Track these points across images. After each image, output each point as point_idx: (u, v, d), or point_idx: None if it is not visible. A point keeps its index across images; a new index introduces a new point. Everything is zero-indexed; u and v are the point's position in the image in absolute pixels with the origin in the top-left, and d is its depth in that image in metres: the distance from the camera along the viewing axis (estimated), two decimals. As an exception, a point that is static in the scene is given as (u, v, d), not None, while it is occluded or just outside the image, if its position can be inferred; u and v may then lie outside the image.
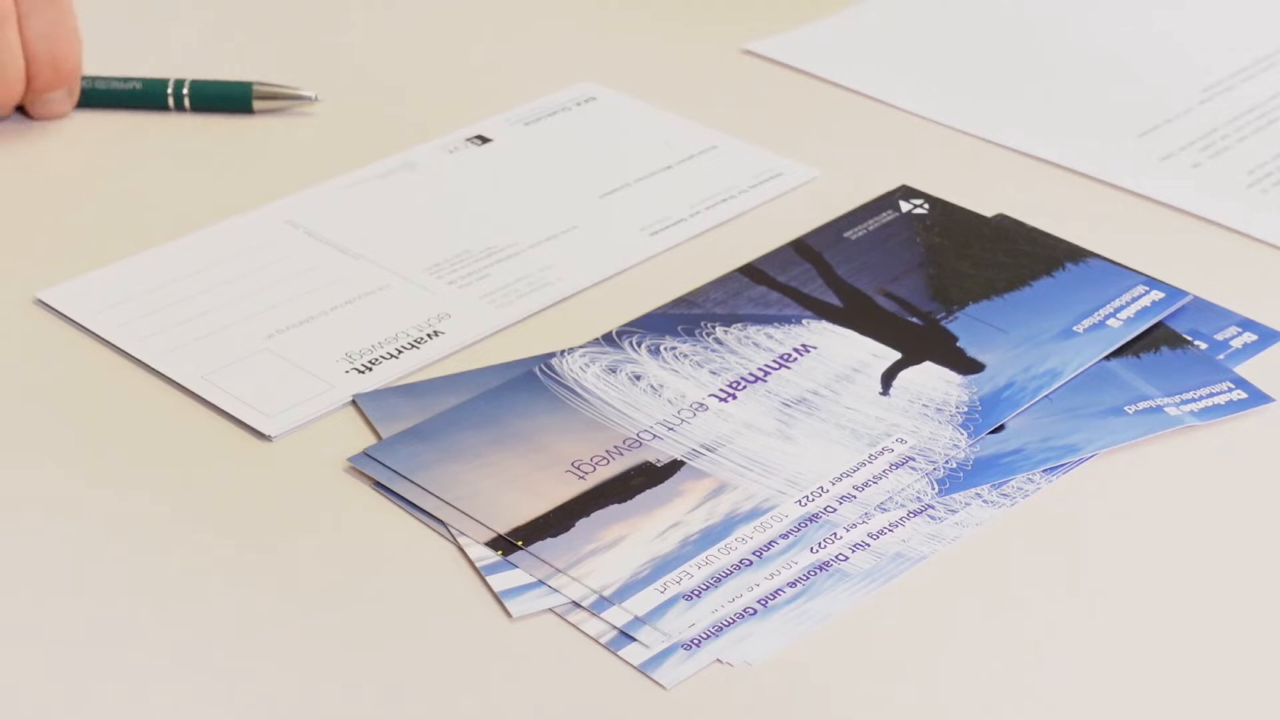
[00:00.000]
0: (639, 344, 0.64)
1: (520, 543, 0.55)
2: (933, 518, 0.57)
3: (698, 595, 0.54)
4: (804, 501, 0.57)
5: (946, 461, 0.59)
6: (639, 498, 0.57)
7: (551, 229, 0.71)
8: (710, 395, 0.62)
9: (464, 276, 0.68)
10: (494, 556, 0.55)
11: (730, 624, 0.53)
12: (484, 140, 0.77)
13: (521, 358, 0.63)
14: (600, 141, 0.77)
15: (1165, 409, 0.61)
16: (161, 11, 0.88)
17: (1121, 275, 0.68)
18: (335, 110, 0.79)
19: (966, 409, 0.61)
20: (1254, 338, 0.65)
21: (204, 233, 0.70)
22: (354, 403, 0.61)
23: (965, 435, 0.60)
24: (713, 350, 0.64)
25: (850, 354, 0.64)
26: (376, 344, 0.64)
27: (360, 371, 0.62)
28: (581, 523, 0.56)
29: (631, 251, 0.70)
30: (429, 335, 0.65)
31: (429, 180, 0.74)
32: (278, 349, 0.64)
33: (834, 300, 0.66)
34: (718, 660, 0.52)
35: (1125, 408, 0.61)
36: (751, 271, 0.68)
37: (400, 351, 0.64)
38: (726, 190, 0.74)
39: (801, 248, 0.70)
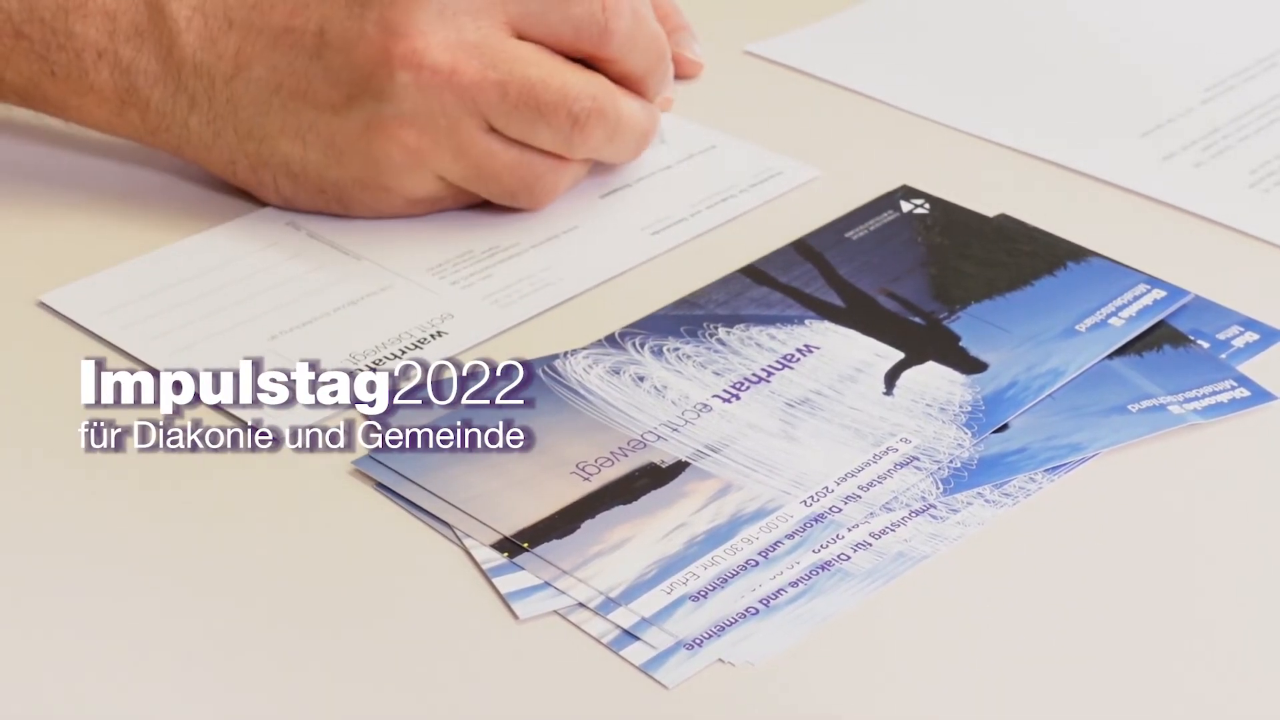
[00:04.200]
0: (642, 345, 0.64)
1: (526, 544, 0.55)
2: (935, 517, 0.57)
3: (704, 596, 0.54)
4: (809, 502, 0.57)
5: (951, 461, 0.59)
6: (644, 499, 0.57)
7: (552, 229, 0.71)
8: (714, 396, 0.62)
9: (466, 277, 0.68)
10: (500, 558, 0.55)
11: (732, 624, 0.53)
12: (485, 141, 0.77)
13: (525, 359, 0.63)
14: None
15: (1168, 407, 0.61)
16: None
17: (1123, 274, 0.68)
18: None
19: (970, 408, 0.61)
20: (1255, 337, 0.65)
21: (206, 235, 0.70)
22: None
23: (969, 434, 0.60)
24: (715, 351, 0.64)
25: (853, 354, 0.64)
26: (380, 345, 0.64)
27: (364, 372, 0.62)
28: (587, 524, 0.56)
29: (633, 251, 0.70)
30: (432, 336, 0.65)
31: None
32: (281, 350, 0.64)
33: (836, 300, 0.66)
34: (719, 660, 0.52)
35: (1129, 406, 0.61)
36: (753, 272, 0.68)
37: (404, 352, 0.64)
38: (727, 190, 0.74)
39: (803, 248, 0.70)
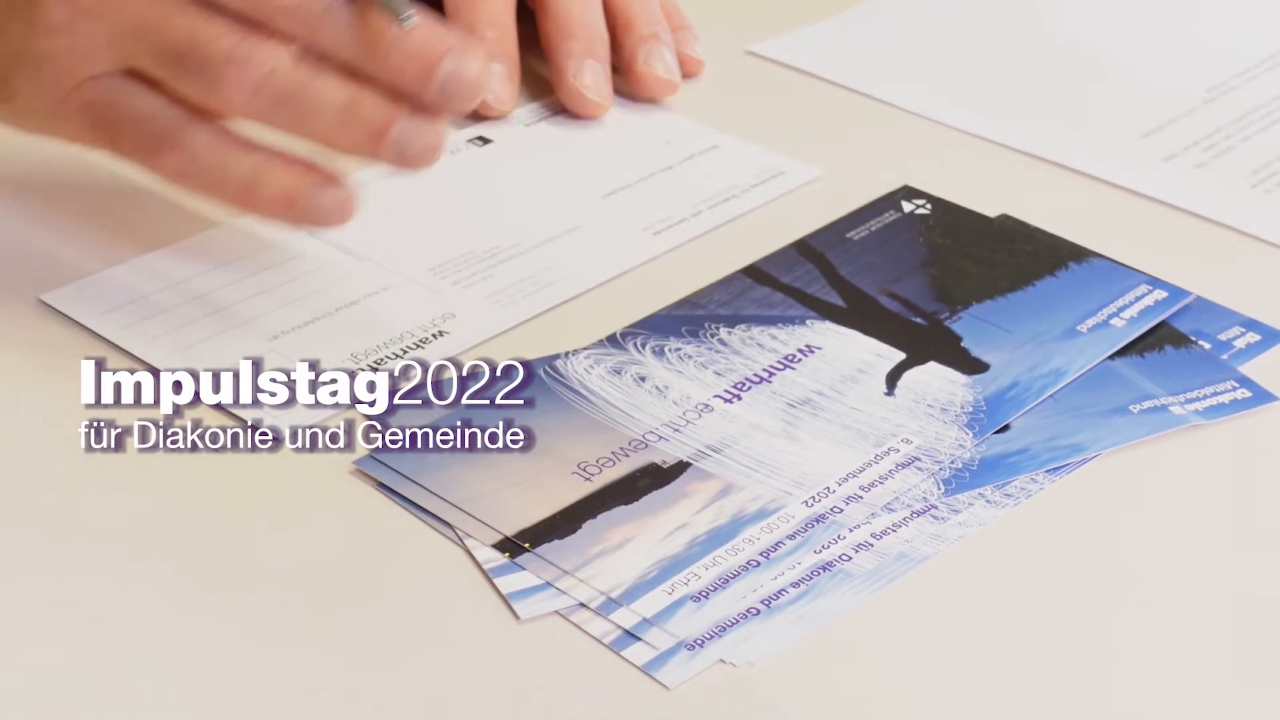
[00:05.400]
0: (643, 345, 0.64)
1: (527, 545, 0.55)
2: (936, 518, 0.57)
3: (705, 596, 0.54)
4: (810, 502, 0.57)
5: (952, 461, 0.59)
6: (646, 499, 0.57)
7: (554, 229, 0.71)
8: (715, 396, 0.62)
9: (468, 277, 0.68)
10: (501, 559, 0.55)
11: (733, 624, 0.53)
12: (485, 141, 0.77)
13: (526, 359, 0.63)
14: (602, 142, 0.77)
15: (1170, 408, 0.61)
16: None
17: (1125, 275, 0.68)
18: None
19: (971, 409, 0.61)
20: (1257, 338, 0.65)
21: (208, 234, 0.70)
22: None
23: (970, 435, 0.60)
24: (717, 351, 0.64)
25: (854, 354, 0.64)
26: (381, 344, 0.64)
27: (365, 372, 0.62)
28: (589, 524, 0.56)
29: (634, 252, 0.70)
30: (434, 336, 0.65)
31: (432, 181, 0.74)
32: (281, 350, 0.64)
33: (837, 301, 0.66)
34: (721, 660, 0.52)
35: (1130, 407, 0.61)
36: (754, 272, 0.68)
37: (405, 352, 0.64)
38: (729, 190, 0.74)
39: (804, 248, 0.70)
